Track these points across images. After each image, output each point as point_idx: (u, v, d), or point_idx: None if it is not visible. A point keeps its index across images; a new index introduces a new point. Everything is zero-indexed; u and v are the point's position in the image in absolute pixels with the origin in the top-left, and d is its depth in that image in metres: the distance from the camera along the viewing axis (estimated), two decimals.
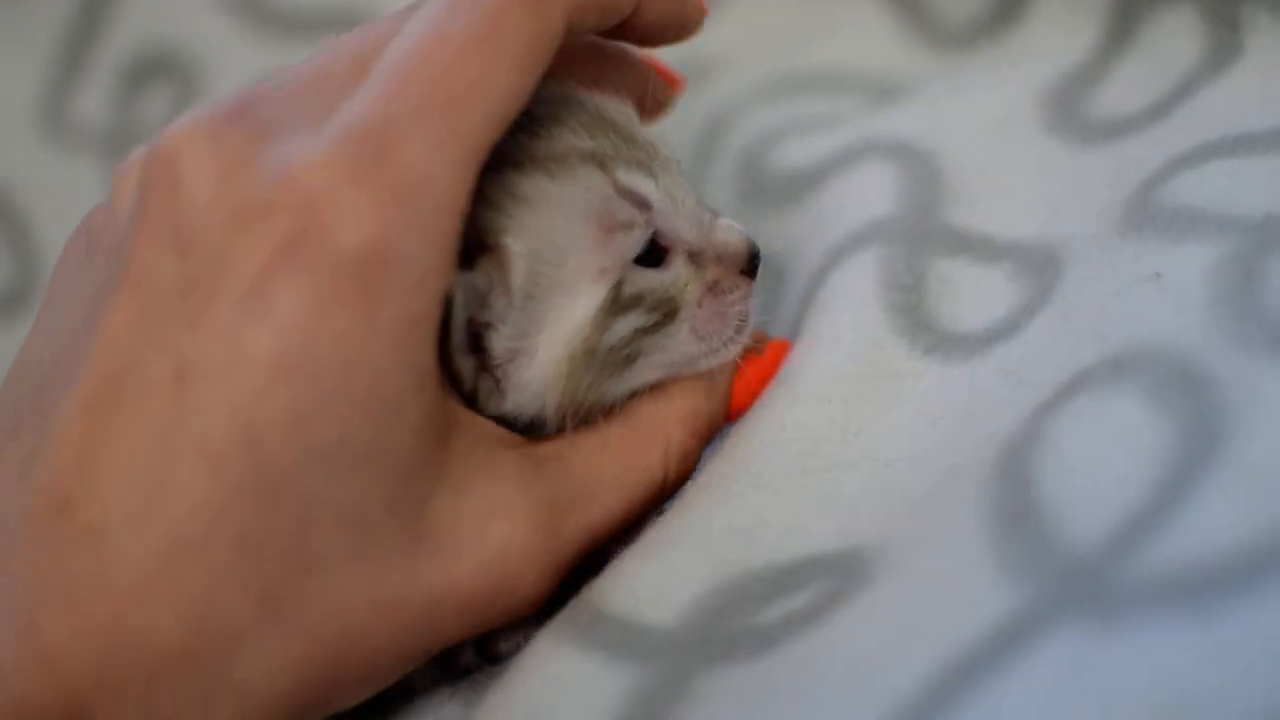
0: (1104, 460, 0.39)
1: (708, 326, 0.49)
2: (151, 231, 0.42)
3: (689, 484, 0.48)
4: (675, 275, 0.48)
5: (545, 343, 0.46)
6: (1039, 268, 0.50)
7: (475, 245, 0.44)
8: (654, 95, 0.53)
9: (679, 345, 0.48)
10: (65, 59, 0.90)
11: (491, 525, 0.43)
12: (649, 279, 0.47)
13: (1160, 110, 0.54)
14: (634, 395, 0.48)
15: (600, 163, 0.46)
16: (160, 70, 0.89)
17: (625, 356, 0.47)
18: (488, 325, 0.45)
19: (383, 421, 0.40)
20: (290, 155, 0.40)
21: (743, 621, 0.42)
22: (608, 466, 0.46)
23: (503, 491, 0.44)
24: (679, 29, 0.52)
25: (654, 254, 0.48)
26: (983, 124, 0.56)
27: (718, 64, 0.72)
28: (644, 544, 0.46)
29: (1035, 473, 0.40)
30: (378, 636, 0.42)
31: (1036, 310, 0.48)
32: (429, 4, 0.44)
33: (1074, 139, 0.55)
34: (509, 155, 0.45)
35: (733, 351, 0.49)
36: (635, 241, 0.47)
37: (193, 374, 0.39)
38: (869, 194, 0.55)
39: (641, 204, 0.47)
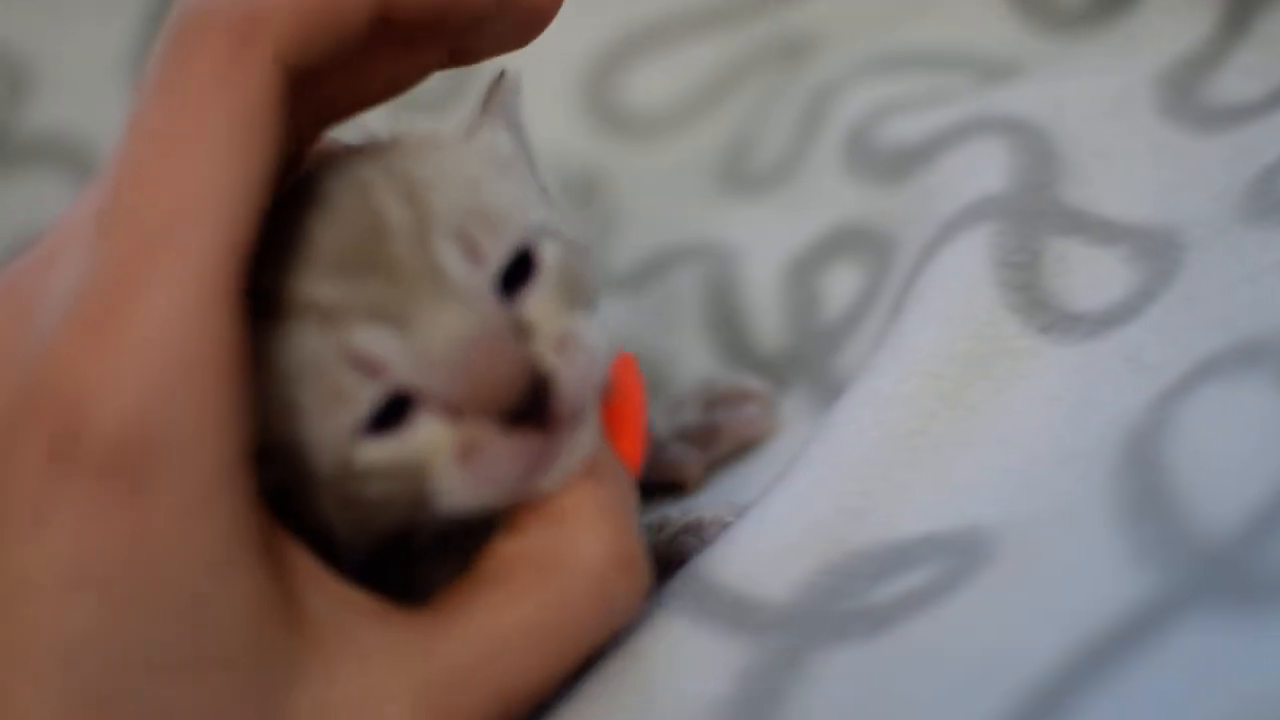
0: (1237, 448, 0.39)
1: (478, 486, 0.41)
2: None
3: (801, 455, 0.47)
4: (413, 435, 0.41)
5: (306, 489, 0.42)
6: (1158, 252, 0.49)
7: None
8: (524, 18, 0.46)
9: (458, 493, 0.42)
10: (158, 12, 0.91)
11: (366, 716, 0.38)
12: (376, 453, 0.41)
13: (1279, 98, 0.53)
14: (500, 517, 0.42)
15: (330, 321, 0.40)
16: None
17: (407, 503, 0.42)
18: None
19: (189, 618, 0.36)
20: (40, 342, 0.37)
21: (857, 600, 0.41)
22: (510, 619, 0.40)
23: (374, 675, 0.39)
24: (506, 24, 0.45)
25: (396, 411, 0.41)
26: (1097, 106, 0.56)
27: (822, 39, 0.72)
28: (754, 520, 0.45)
29: (1165, 459, 0.40)
30: None
31: (1157, 294, 0.47)
32: (130, 116, 0.39)
33: (1189, 125, 0.54)
34: (270, 283, 0.41)
35: (538, 487, 0.42)
36: (351, 415, 0.40)
37: (6, 599, 0.36)
38: (981, 170, 0.54)
39: (372, 368, 0.40)
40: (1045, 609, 0.37)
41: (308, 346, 0.40)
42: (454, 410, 0.40)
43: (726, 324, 0.64)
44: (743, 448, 0.57)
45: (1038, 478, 0.43)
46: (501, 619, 0.40)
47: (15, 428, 0.36)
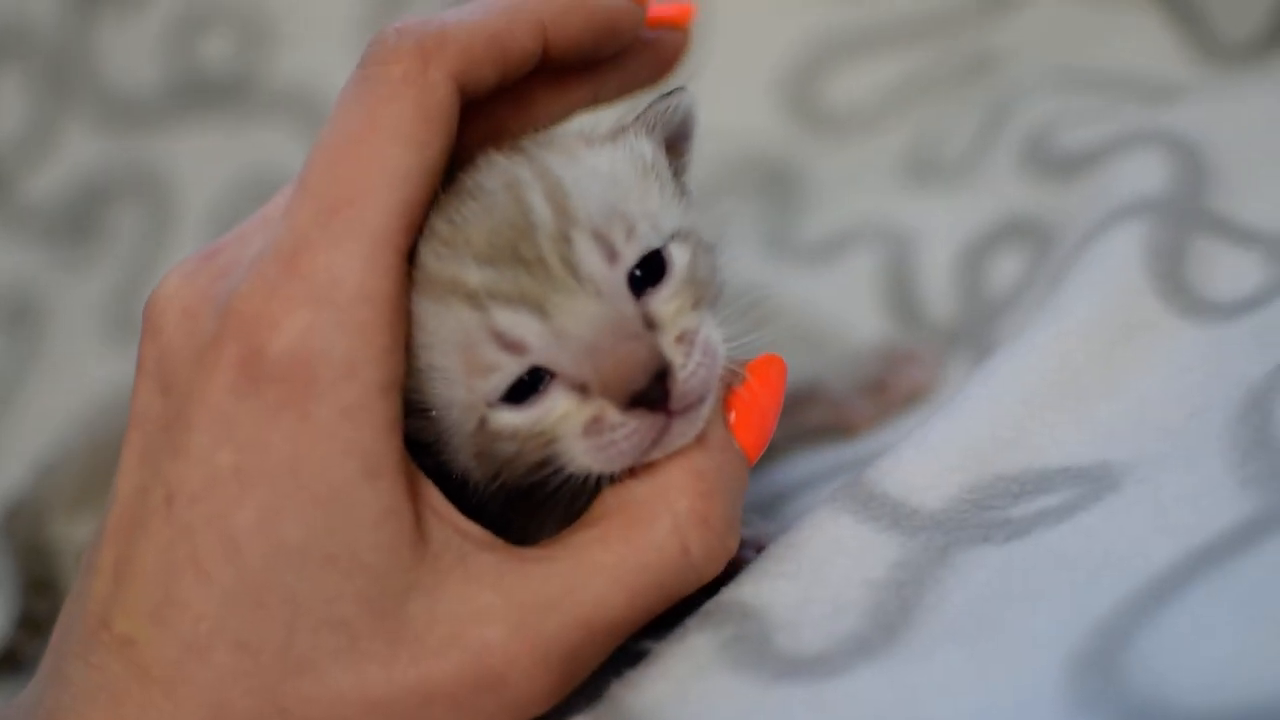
0: None
1: (598, 454, 0.46)
2: (143, 377, 0.45)
3: (960, 393, 0.53)
4: (546, 412, 0.46)
5: (447, 440, 0.48)
6: None
7: None
8: (671, 51, 0.54)
9: (581, 459, 0.47)
10: None
11: (468, 627, 0.43)
12: (510, 419, 0.46)
13: None
14: (616, 478, 0.47)
15: (478, 303, 0.45)
16: None
17: (533, 460, 0.47)
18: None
19: (336, 513, 0.42)
20: (232, 288, 0.43)
21: (999, 513, 0.47)
22: (601, 557, 0.44)
23: (478, 593, 0.43)
24: (645, 55, 0.53)
25: (531, 384, 0.46)
26: (1248, 129, 0.61)
27: (1009, 58, 0.79)
28: (915, 441, 0.51)
29: (1275, 412, 0.46)
30: None
31: None
32: (332, 111, 0.45)
33: None
34: (430, 262, 0.46)
35: (641, 459, 0.46)
36: (496, 383, 0.46)
37: (179, 496, 0.43)
38: (1141, 175, 0.59)
39: (513, 346, 0.45)
40: (1162, 524, 0.44)
41: (457, 321, 0.45)
42: (582, 388, 0.45)
43: (901, 294, 0.71)
44: (909, 401, 0.63)
45: (1168, 427, 0.49)
46: (591, 556, 0.44)
47: (212, 347, 0.43)
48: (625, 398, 0.45)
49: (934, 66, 0.84)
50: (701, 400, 0.46)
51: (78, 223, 1.05)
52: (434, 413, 0.47)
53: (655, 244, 0.47)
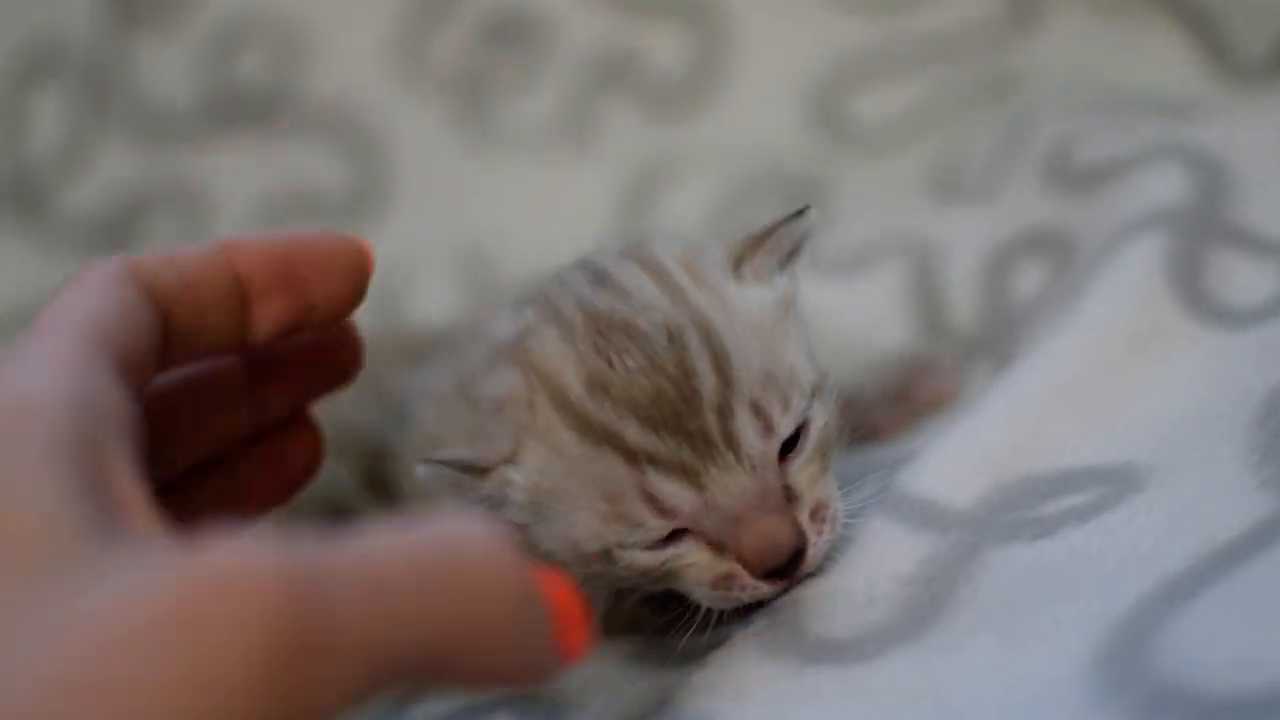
0: None
1: (719, 600, 0.48)
2: None
3: (983, 399, 0.55)
4: (678, 556, 0.47)
5: (552, 539, 0.48)
6: None
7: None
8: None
9: (699, 597, 0.48)
10: (432, 3, 1.01)
11: None
12: (640, 558, 0.47)
13: None
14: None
15: (634, 462, 0.45)
16: (514, 29, 0.99)
17: (644, 587, 0.49)
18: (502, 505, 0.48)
19: None
20: None
21: (1029, 512, 0.49)
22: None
23: None
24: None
25: (671, 534, 0.47)
26: (1268, 143, 0.63)
27: (1031, 77, 0.81)
28: (941, 447, 0.53)
29: None
30: None
31: None
32: None
33: None
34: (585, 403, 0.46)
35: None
36: (637, 538, 0.47)
37: None
38: (1160, 187, 0.61)
39: (665, 512, 0.46)
40: (1183, 523, 0.45)
41: (609, 469, 0.46)
42: (718, 547, 0.47)
43: (926, 305, 0.72)
44: (934, 408, 0.65)
45: (1187, 430, 0.50)
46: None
47: None
48: (763, 571, 0.46)
49: (958, 84, 0.85)
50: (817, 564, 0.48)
51: (115, 237, 1.07)
52: (549, 522, 0.48)
53: (805, 413, 0.48)
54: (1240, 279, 0.57)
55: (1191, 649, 0.39)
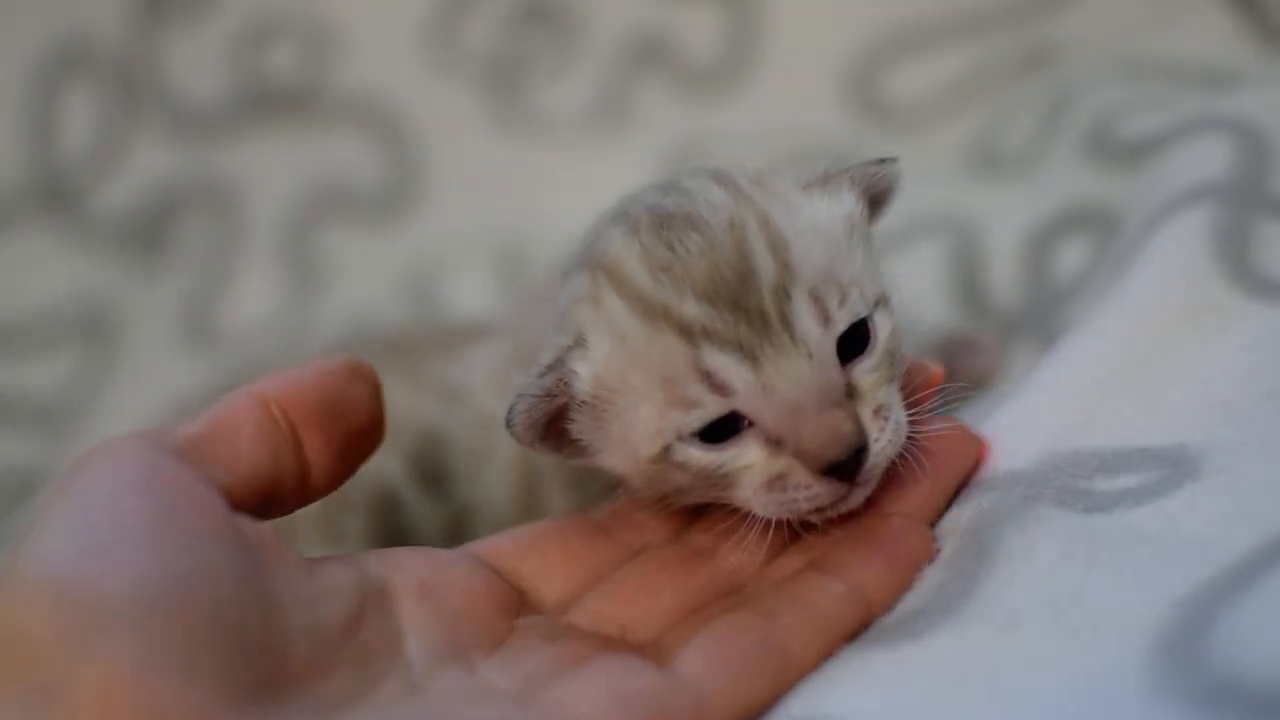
0: None
1: (773, 505, 0.48)
2: None
3: (1030, 376, 0.55)
4: (735, 455, 0.47)
5: (613, 448, 0.49)
6: None
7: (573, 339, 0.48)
8: None
9: (754, 504, 0.48)
10: None
11: None
12: (697, 455, 0.48)
13: None
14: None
15: (691, 338, 0.46)
16: (545, 12, 1.00)
17: (701, 491, 0.49)
18: (567, 415, 0.49)
19: None
20: None
21: (1080, 482, 0.48)
22: None
23: None
24: None
25: (728, 425, 0.47)
26: None
27: (1066, 48, 0.80)
28: (992, 423, 0.53)
29: None
30: None
31: None
32: None
33: None
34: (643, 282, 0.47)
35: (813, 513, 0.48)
36: (694, 420, 0.47)
37: None
38: (1204, 161, 0.60)
39: (720, 388, 0.46)
40: (1242, 512, 0.45)
41: (666, 349, 0.46)
42: (776, 442, 0.47)
43: (967, 283, 0.72)
44: (975, 385, 0.64)
45: (1241, 409, 0.50)
46: None
47: None
48: (822, 466, 0.46)
49: (995, 58, 0.85)
50: (879, 473, 0.48)
51: (149, 234, 1.08)
52: (611, 423, 0.49)
53: (863, 313, 0.48)
54: None
55: (1251, 640, 0.39)
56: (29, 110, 1.11)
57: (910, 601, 0.46)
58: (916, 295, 0.72)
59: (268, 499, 0.45)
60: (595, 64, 0.98)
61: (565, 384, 0.49)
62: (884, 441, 0.47)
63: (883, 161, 0.52)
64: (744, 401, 0.46)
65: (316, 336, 0.95)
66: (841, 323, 0.47)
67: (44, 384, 1.05)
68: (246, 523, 0.42)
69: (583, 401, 0.49)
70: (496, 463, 0.60)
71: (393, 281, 0.98)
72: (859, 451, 0.46)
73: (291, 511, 0.47)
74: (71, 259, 1.09)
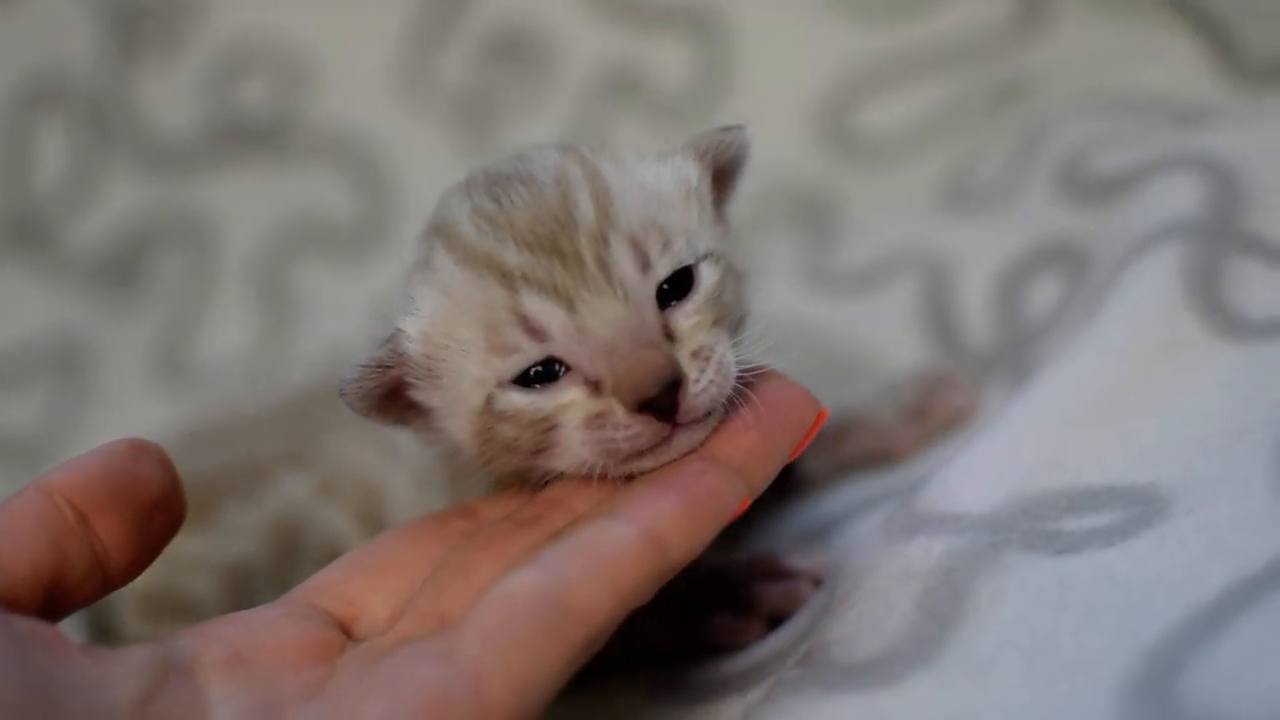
0: None
1: (596, 446, 0.47)
2: None
3: (1002, 413, 0.55)
4: (554, 397, 0.48)
5: (451, 410, 0.50)
6: None
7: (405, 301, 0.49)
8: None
9: (578, 449, 0.48)
10: (432, 24, 1.01)
11: None
12: (517, 400, 0.48)
13: None
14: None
15: (510, 283, 0.47)
16: (517, 47, 0.99)
17: (529, 447, 0.49)
18: (406, 383, 0.50)
19: None
20: None
21: (1049, 524, 0.48)
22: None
23: None
24: None
25: (548, 372, 0.48)
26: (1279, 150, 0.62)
27: (1038, 83, 0.80)
28: (962, 462, 0.52)
29: None
30: None
31: None
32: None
33: None
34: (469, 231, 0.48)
35: (635, 464, 0.48)
36: (512, 365, 0.47)
37: None
38: (1175, 198, 0.60)
39: (536, 332, 0.47)
40: (1214, 551, 0.45)
41: (487, 296, 0.47)
42: (594, 385, 0.47)
43: (939, 321, 0.72)
44: (950, 425, 0.64)
45: (1213, 448, 0.50)
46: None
47: None
48: (635, 401, 0.46)
49: (967, 93, 0.85)
50: (708, 416, 0.48)
51: (122, 269, 1.07)
52: (444, 380, 0.49)
53: (687, 261, 0.49)
54: (1259, 289, 0.56)
55: (1223, 685, 0.38)
56: (1, 145, 1.11)
57: (880, 643, 0.46)
58: (890, 334, 0.73)
59: (55, 592, 0.45)
60: (567, 98, 0.97)
61: (399, 354, 0.49)
62: (704, 382, 0.47)
63: (728, 129, 0.53)
64: (560, 346, 0.47)
65: (290, 372, 0.95)
66: (662, 269, 0.48)
67: (17, 420, 1.05)
68: (17, 620, 0.41)
69: (417, 364, 0.49)
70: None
71: (367, 316, 0.96)
72: (673, 387, 0.46)
73: (95, 599, 0.47)
74: (45, 294, 1.08)
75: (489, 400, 0.48)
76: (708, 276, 0.49)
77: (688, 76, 0.94)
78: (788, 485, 0.65)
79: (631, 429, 0.47)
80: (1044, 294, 0.67)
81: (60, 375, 1.05)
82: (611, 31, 0.96)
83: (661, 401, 0.46)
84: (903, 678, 0.44)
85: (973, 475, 0.52)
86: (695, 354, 0.48)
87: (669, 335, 0.48)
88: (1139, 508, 0.48)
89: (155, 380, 1.03)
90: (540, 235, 0.47)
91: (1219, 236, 0.58)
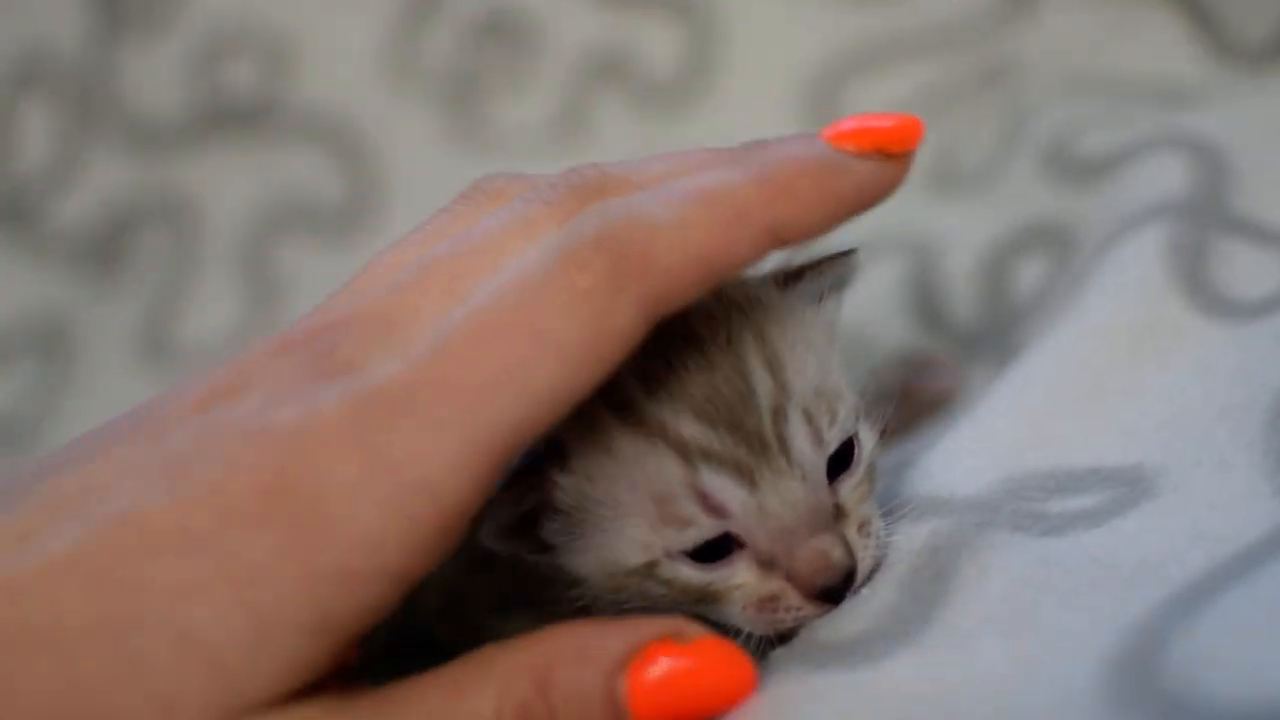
0: None
1: (761, 623, 0.46)
2: (172, 401, 0.41)
3: (985, 396, 0.54)
4: (727, 576, 0.46)
5: (587, 555, 0.47)
6: None
7: (551, 446, 0.46)
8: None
9: (739, 621, 0.47)
10: (419, 4, 1.00)
11: None
12: (686, 573, 0.46)
13: None
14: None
15: (686, 457, 0.44)
16: (502, 29, 0.99)
17: (673, 607, 0.47)
18: (539, 518, 0.47)
19: (254, 635, 0.37)
20: (314, 402, 0.38)
21: (1035, 505, 0.48)
22: (431, 696, 0.41)
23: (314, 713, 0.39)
24: None
25: (720, 546, 0.46)
26: (1269, 130, 0.62)
27: (1025, 65, 0.80)
28: (945, 446, 0.52)
29: None
30: None
31: None
32: (511, 266, 0.40)
33: None
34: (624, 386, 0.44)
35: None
36: (688, 539, 0.45)
37: (135, 517, 0.38)
38: (1161, 179, 0.60)
39: (716, 510, 0.45)
40: (1196, 533, 0.44)
41: (660, 467, 0.45)
42: (768, 564, 0.46)
43: (925, 302, 0.71)
44: (933, 409, 0.64)
45: (1196, 428, 0.49)
46: (419, 705, 0.40)
47: (252, 445, 0.38)
48: (815, 593, 0.46)
49: (952, 75, 0.84)
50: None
51: (106, 248, 1.06)
52: (588, 532, 0.47)
53: (851, 430, 0.48)
54: (1245, 270, 0.56)
55: (1205, 661, 0.38)
56: None
57: (863, 622, 0.45)
58: (874, 316, 0.72)
59: None
60: (554, 79, 0.97)
61: (537, 492, 0.47)
62: (868, 560, 0.47)
63: (846, 254, 0.51)
64: (738, 524, 0.45)
65: None
66: (833, 443, 0.47)
67: None
68: None
69: (561, 513, 0.47)
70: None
71: None
72: (850, 575, 0.46)
73: None
74: (27, 274, 1.07)
75: (652, 565, 0.46)
76: (867, 443, 0.48)
77: (675, 58, 0.94)
78: None
79: (803, 611, 0.46)
80: (1030, 275, 0.67)
81: (43, 354, 1.05)
82: (599, 12, 0.96)
83: (839, 590, 0.46)
84: (886, 655, 0.43)
85: (957, 459, 0.51)
86: (860, 529, 0.47)
87: (838, 514, 0.47)
88: (1124, 489, 0.48)
89: (139, 360, 1.03)
90: (719, 408, 0.44)
91: (1205, 216, 0.58)
